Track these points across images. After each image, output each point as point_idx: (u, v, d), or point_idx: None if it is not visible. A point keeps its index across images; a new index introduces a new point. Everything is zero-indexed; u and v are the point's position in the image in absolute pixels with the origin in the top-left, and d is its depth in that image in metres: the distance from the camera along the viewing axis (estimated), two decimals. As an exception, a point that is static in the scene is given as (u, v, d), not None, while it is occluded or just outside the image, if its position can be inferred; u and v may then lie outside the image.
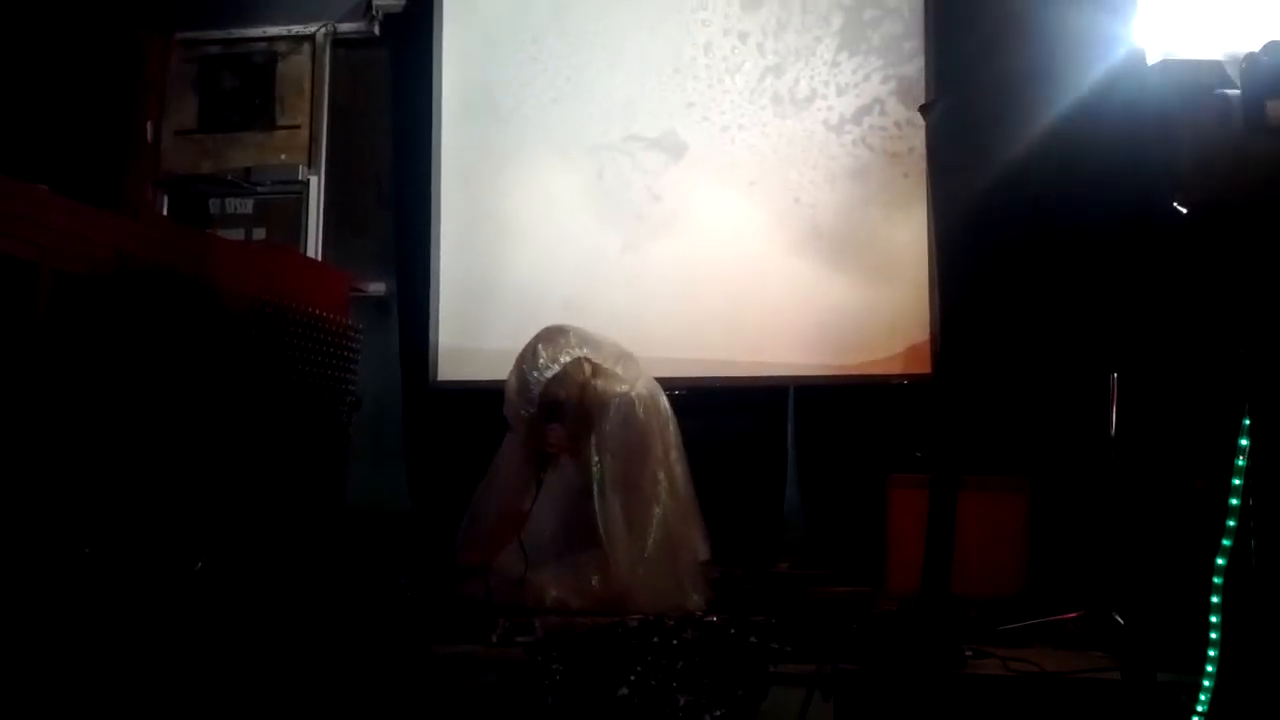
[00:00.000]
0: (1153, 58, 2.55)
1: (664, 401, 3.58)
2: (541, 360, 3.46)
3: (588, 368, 3.51)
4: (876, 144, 4.37)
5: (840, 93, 4.42)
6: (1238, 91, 2.13)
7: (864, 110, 4.40)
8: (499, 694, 2.69)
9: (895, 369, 4.24)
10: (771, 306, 4.36)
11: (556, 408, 3.47)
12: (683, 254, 4.46)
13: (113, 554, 2.65)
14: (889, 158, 4.34)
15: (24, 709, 2.31)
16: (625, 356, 3.60)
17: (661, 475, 3.45)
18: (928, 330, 4.18)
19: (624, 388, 3.50)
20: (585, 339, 3.55)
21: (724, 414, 4.26)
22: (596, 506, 3.39)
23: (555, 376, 3.46)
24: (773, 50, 4.48)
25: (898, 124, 4.32)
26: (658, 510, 3.41)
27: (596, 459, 3.44)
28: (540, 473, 3.46)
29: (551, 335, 3.54)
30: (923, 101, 4.26)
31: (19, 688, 2.32)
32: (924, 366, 4.19)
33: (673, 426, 3.56)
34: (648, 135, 4.55)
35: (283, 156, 4.91)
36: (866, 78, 4.41)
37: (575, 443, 3.48)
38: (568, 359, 3.48)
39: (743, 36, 4.50)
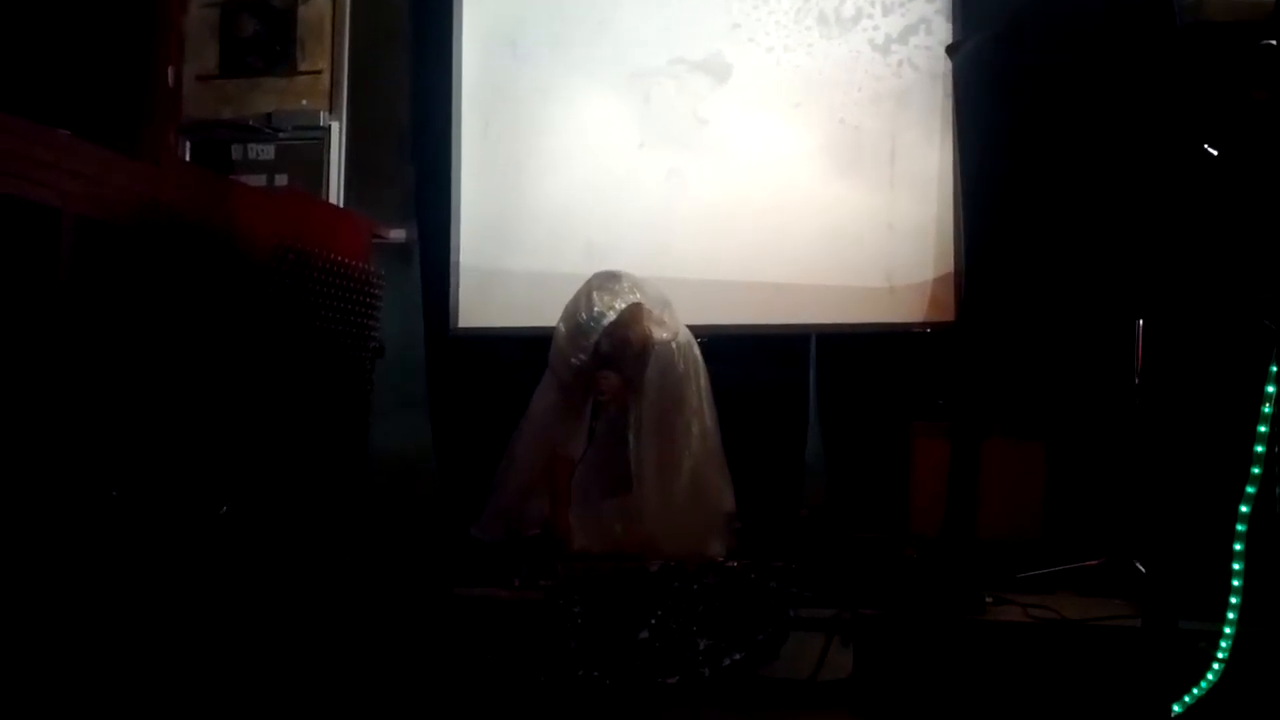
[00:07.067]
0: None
1: (698, 351, 3.56)
2: (597, 308, 3.42)
3: (643, 313, 3.49)
4: (922, 64, 4.26)
5: (886, 12, 4.32)
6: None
7: (910, 30, 4.29)
8: (521, 636, 2.71)
9: (929, 294, 4.20)
10: (812, 228, 4.29)
11: (617, 353, 3.43)
12: (726, 178, 4.38)
13: (139, 498, 2.68)
14: (934, 79, 4.24)
15: (51, 653, 2.35)
16: (668, 304, 3.56)
17: (694, 425, 3.44)
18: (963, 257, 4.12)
19: (666, 335, 3.48)
20: (637, 284, 3.51)
21: (745, 361, 4.23)
22: (632, 453, 3.39)
23: (617, 321, 3.42)
24: (819, -32, 4.39)
25: (944, 44, 4.20)
26: (688, 459, 3.40)
27: (636, 406, 3.43)
28: (593, 421, 3.45)
29: (605, 282, 3.49)
30: (963, 25, 4.19)
31: (46, 631, 2.36)
32: (947, 314, 4.15)
33: (704, 376, 3.54)
34: (692, 58, 4.47)
35: (304, 102, 4.88)
36: (913, -5, 4.32)
37: (624, 389, 3.46)
38: (623, 305, 3.45)
39: (788, -46, 4.41)
